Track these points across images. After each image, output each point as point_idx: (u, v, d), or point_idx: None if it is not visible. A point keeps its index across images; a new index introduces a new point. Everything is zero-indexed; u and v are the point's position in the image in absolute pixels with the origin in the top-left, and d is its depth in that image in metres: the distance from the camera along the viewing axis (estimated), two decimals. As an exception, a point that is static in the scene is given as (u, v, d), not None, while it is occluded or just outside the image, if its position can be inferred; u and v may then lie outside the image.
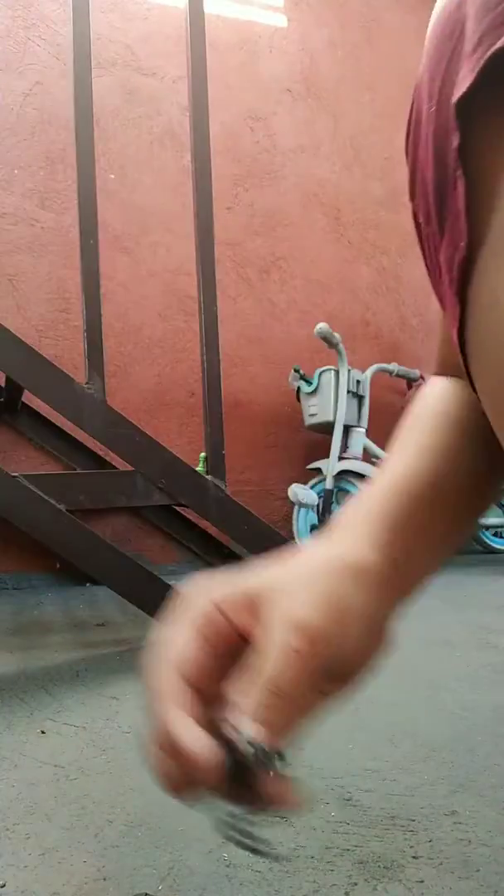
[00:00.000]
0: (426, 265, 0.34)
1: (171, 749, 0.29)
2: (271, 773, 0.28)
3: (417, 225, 0.33)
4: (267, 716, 0.28)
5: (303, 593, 0.30)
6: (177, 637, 0.31)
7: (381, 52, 3.26)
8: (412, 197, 0.33)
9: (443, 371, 0.46)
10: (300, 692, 0.29)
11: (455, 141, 0.27)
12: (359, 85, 3.19)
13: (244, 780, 0.28)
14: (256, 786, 0.28)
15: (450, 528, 0.39)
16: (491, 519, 2.70)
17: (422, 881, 0.51)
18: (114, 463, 2.26)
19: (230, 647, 0.32)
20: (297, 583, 0.31)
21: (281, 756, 0.28)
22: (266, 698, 0.28)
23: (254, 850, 0.29)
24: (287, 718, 0.29)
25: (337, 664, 0.31)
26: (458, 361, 0.33)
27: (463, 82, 0.26)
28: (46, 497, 1.23)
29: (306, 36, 3.07)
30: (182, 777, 0.29)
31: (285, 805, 0.28)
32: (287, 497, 2.39)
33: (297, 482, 2.44)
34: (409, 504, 0.37)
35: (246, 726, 0.28)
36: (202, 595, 0.32)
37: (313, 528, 2.44)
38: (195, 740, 0.28)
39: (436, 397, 0.44)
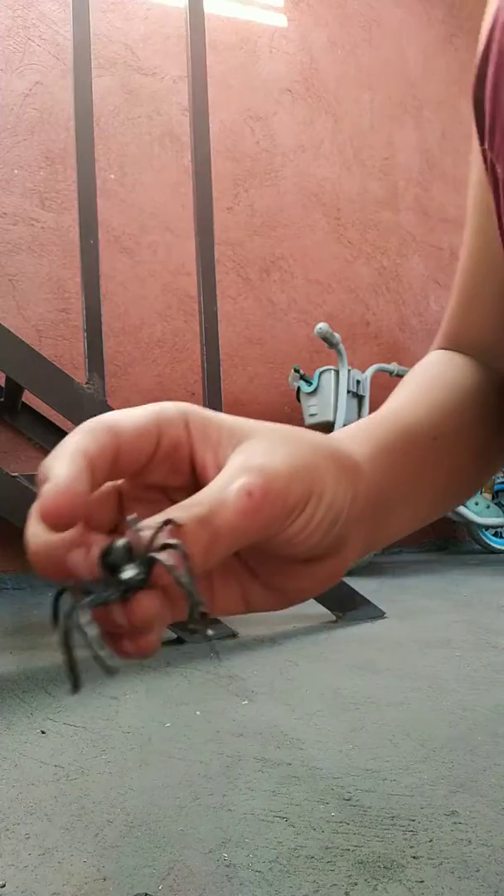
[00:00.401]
0: (499, 221, 0.31)
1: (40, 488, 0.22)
2: (164, 575, 0.22)
3: (494, 176, 0.30)
4: (185, 541, 0.22)
5: (282, 450, 0.26)
6: (133, 414, 0.25)
7: (381, 52, 3.26)
8: (490, 145, 0.30)
9: (451, 345, 0.44)
10: (228, 543, 0.23)
11: None
12: (359, 85, 3.19)
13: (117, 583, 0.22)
14: (128, 601, 0.22)
15: (435, 486, 0.37)
16: (491, 519, 2.70)
17: (422, 881, 0.51)
18: (114, 463, 2.26)
19: (172, 467, 0.26)
20: (280, 441, 0.27)
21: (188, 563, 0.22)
22: (192, 525, 0.22)
23: (70, 671, 0.23)
24: (202, 559, 0.23)
25: (276, 546, 0.26)
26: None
27: None
28: (46, 497, 1.22)
29: (306, 36, 3.07)
30: (45, 543, 0.22)
31: (141, 629, 0.23)
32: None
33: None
34: (403, 446, 0.34)
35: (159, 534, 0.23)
36: (177, 406, 0.27)
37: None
38: (69, 468, 0.22)
39: (442, 364, 0.41)
